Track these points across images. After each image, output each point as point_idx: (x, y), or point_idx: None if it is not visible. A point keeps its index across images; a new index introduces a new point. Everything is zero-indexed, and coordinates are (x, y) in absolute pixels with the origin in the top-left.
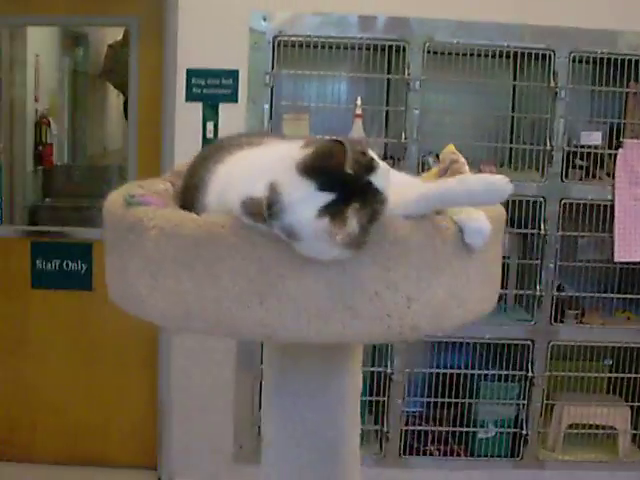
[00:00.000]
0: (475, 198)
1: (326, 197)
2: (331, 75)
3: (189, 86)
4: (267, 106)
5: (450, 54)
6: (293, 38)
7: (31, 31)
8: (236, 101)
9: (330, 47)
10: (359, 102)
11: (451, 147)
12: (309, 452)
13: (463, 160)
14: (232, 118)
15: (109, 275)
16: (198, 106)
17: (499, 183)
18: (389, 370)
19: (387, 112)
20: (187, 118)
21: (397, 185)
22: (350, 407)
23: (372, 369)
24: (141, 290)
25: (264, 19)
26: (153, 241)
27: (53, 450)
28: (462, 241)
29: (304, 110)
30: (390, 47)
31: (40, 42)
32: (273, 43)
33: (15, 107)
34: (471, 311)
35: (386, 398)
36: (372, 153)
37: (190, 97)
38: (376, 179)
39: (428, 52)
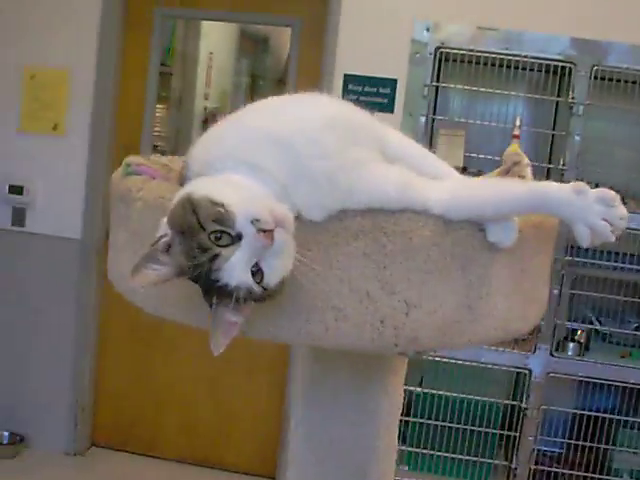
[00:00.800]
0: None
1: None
2: (492, 92)
3: (345, 92)
4: (423, 119)
5: (619, 81)
6: (455, 51)
7: (206, 29)
8: (392, 111)
9: (493, 64)
10: (518, 122)
11: (514, 147)
12: (334, 472)
13: (526, 161)
14: None
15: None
16: None
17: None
18: (523, 405)
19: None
20: None
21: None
22: (384, 429)
23: (505, 402)
24: (124, 268)
25: (427, 29)
26: (138, 213)
27: (175, 447)
28: (484, 243)
29: (461, 126)
30: (556, 68)
31: (215, 41)
32: (435, 55)
33: (184, 103)
34: (494, 329)
35: (518, 434)
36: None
37: None
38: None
39: (595, 77)
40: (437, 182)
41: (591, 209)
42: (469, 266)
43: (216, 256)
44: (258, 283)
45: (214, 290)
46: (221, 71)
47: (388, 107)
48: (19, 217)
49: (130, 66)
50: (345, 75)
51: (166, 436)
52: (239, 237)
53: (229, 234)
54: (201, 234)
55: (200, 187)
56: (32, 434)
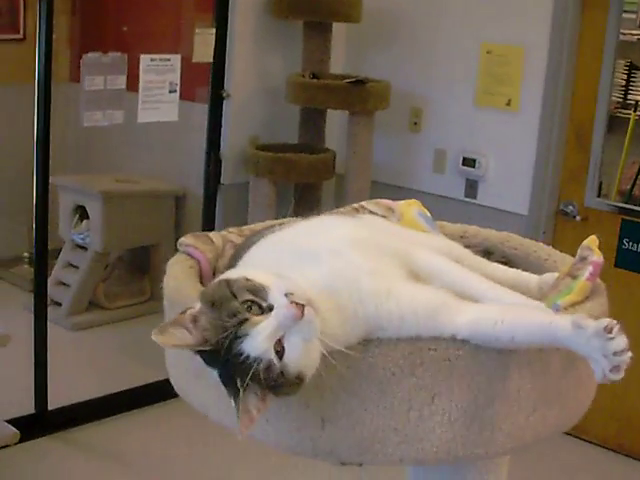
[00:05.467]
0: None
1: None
2: None
3: None
4: None
5: None
6: None
7: None
8: None
9: None
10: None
11: (590, 241)
12: None
13: (594, 259)
14: None
15: None
16: None
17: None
18: None
19: None
20: None
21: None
22: None
23: None
24: None
25: None
26: None
27: (602, 433)
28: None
29: None
30: None
31: None
32: None
33: None
34: (433, 452)
35: None
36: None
37: None
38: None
39: None
40: (469, 305)
41: (590, 345)
42: (388, 389)
43: (244, 321)
44: (279, 359)
45: (233, 366)
46: None
47: None
48: (472, 189)
49: (586, 43)
50: None
51: (594, 421)
52: (270, 309)
53: (260, 305)
54: (233, 302)
55: (237, 272)
56: None
